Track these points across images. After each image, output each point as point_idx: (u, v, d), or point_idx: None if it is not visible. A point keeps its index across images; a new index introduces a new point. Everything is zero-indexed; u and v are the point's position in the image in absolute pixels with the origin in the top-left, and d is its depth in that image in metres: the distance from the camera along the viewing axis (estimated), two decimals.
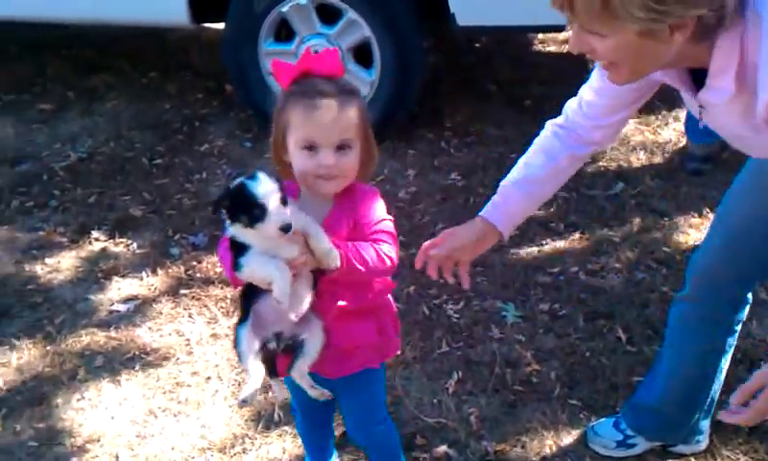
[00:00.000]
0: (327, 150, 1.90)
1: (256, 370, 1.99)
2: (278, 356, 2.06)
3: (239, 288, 2.06)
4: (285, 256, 1.86)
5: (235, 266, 1.90)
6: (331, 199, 2.01)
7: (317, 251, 1.89)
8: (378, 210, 2.03)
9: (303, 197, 2.00)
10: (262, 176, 1.84)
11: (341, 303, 2.00)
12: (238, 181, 1.87)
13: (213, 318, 3.42)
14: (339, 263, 1.89)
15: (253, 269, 1.89)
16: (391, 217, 2.04)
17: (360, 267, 1.92)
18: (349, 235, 1.97)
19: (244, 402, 2.00)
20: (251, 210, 1.81)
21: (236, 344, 2.02)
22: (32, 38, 6.12)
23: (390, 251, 1.97)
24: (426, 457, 2.75)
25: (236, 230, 1.88)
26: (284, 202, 1.84)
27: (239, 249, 1.89)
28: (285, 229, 1.81)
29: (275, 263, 1.85)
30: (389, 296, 2.18)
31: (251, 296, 1.99)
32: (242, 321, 2.03)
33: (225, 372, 3.14)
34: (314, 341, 2.01)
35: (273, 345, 2.01)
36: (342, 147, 1.92)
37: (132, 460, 2.80)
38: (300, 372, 2.02)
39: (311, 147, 1.91)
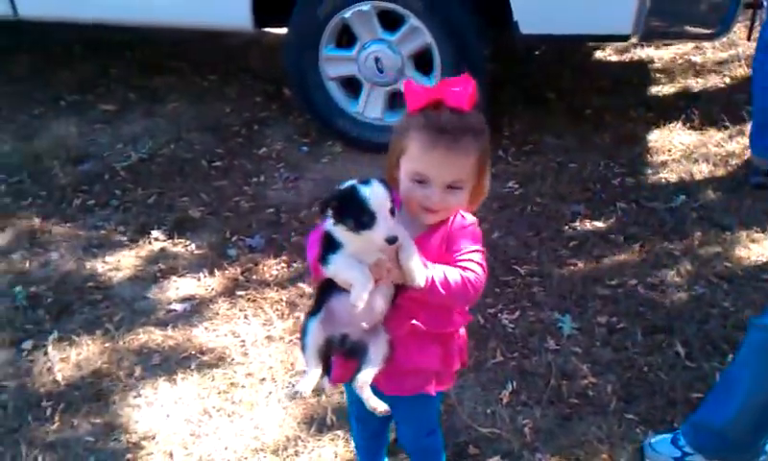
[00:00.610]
0: (437, 188, 1.89)
1: (315, 365, 1.99)
2: (337, 359, 2.05)
3: (316, 281, 2.04)
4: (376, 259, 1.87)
5: (323, 260, 1.90)
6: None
7: (404, 266, 1.86)
8: (472, 240, 1.99)
9: (402, 211, 1.97)
10: (375, 183, 1.84)
11: (415, 322, 1.98)
12: (349, 183, 1.87)
13: (268, 320, 3.44)
14: (423, 283, 1.87)
15: (339, 268, 1.89)
16: (483, 249, 2.00)
17: (442, 291, 1.89)
18: (439, 258, 1.94)
19: (296, 394, 1.98)
20: (360, 216, 1.81)
21: (302, 334, 2.02)
22: (95, 40, 6.24)
23: (477, 282, 1.93)
24: None
25: (335, 229, 1.88)
26: (392, 212, 1.83)
27: (331, 245, 1.89)
28: (391, 240, 1.80)
29: (360, 268, 1.85)
30: (462, 328, 2.15)
31: (327, 291, 1.99)
32: (313, 313, 2.02)
33: (279, 374, 3.15)
34: (378, 352, 1.99)
35: (336, 344, 2.00)
36: (452, 187, 1.90)
37: (186, 458, 2.82)
38: (363, 382, 1.99)
39: (422, 181, 1.90)
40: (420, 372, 2.07)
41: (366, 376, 1.99)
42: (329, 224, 1.89)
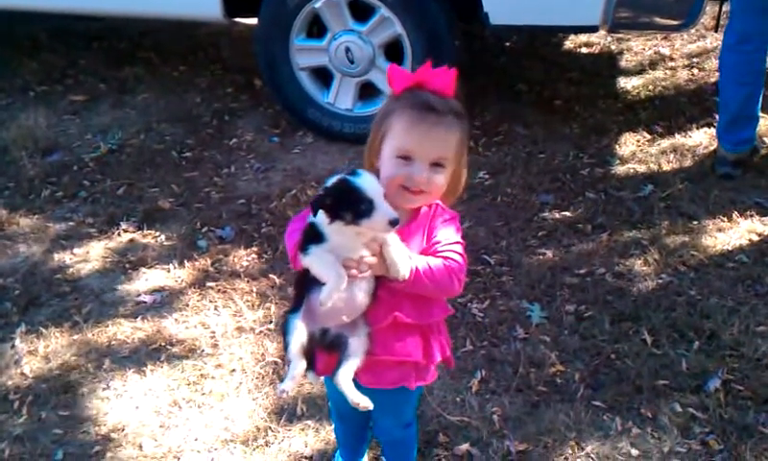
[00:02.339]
0: (422, 164, 1.90)
1: (299, 362, 1.99)
2: (319, 353, 2.05)
3: (294, 270, 2.03)
4: (357, 256, 1.86)
5: (304, 249, 1.90)
6: (411, 212, 2.00)
7: (389, 258, 1.88)
8: (453, 233, 2.01)
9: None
10: (363, 172, 1.85)
11: (397, 314, 1.98)
12: (338, 178, 1.86)
13: (239, 311, 3.44)
14: (407, 274, 1.88)
15: (316, 261, 1.89)
16: (463, 242, 2.02)
17: (427, 281, 1.91)
18: (420, 251, 1.96)
19: (283, 392, 1.99)
20: (358, 206, 1.80)
21: (285, 332, 2.01)
22: (64, 30, 6.19)
23: (459, 272, 1.95)
24: (448, 455, 2.74)
25: (321, 223, 1.86)
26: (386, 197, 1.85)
27: (314, 236, 1.88)
28: (394, 222, 1.81)
29: (336, 268, 1.85)
30: (443, 324, 2.16)
31: (305, 286, 1.98)
32: (294, 310, 2.02)
33: (249, 365, 3.15)
34: (359, 346, 1.99)
35: (317, 338, 2.00)
36: (436, 164, 1.92)
37: (156, 450, 2.82)
38: (345, 376, 1.99)
39: (407, 157, 1.91)
40: (400, 365, 2.07)
41: (347, 370, 1.98)
42: (317, 217, 1.87)
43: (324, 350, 2.04)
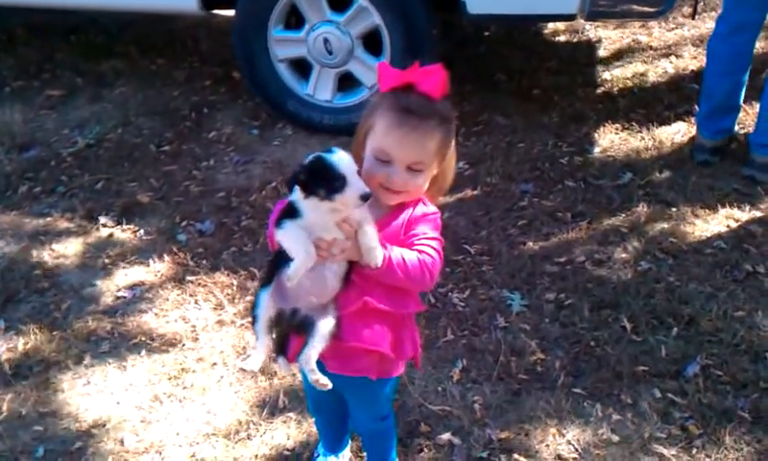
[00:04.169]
0: (399, 167, 1.91)
1: (265, 339, 2.01)
2: (292, 337, 2.07)
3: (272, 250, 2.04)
4: (330, 238, 1.88)
5: (278, 223, 1.91)
6: (393, 205, 2.00)
7: (363, 244, 1.89)
8: (432, 228, 2.01)
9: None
10: (339, 150, 1.87)
11: (368, 298, 1.98)
12: (313, 155, 1.88)
13: (219, 304, 3.43)
14: (380, 262, 1.89)
15: (288, 236, 1.90)
16: (441, 239, 2.02)
17: (399, 272, 1.92)
18: (398, 243, 1.96)
19: (245, 370, 2.00)
20: (331, 181, 1.83)
21: (254, 306, 2.03)
22: (40, 24, 6.13)
23: (433, 267, 1.96)
24: (430, 444, 2.75)
25: (299, 199, 1.88)
26: (360, 173, 1.87)
27: (290, 213, 1.90)
28: (365, 197, 1.83)
29: (305, 245, 1.87)
30: (413, 321, 2.17)
31: (279, 264, 1.98)
32: (264, 285, 2.03)
33: (230, 358, 3.15)
34: (325, 328, 1.99)
35: (287, 318, 2.01)
36: (413, 169, 1.92)
37: (138, 445, 2.81)
38: (307, 357, 2.00)
39: (385, 159, 1.92)
40: (366, 354, 2.06)
41: (312, 351, 1.99)
42: (295, 195, 1.90)
43: (294, 331, 2.05)
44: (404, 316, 2.10)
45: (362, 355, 2.07)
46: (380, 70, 1.98)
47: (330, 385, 2.02)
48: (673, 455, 2.67)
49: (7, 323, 3.35)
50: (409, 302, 2.07)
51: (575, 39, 5.91)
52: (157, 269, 3.67)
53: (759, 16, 3.97)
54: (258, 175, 4.35)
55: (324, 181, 1.83)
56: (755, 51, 4.09)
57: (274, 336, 2.08)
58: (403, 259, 1.92)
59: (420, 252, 1.95)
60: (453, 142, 2.02)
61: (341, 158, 1.85)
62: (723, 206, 3.87)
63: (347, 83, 4.56)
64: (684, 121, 4.64)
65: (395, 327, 2.08)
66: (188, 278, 3.59)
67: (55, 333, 3.30)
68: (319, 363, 2.04)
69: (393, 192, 1.95)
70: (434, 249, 1.97)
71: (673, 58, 5.47)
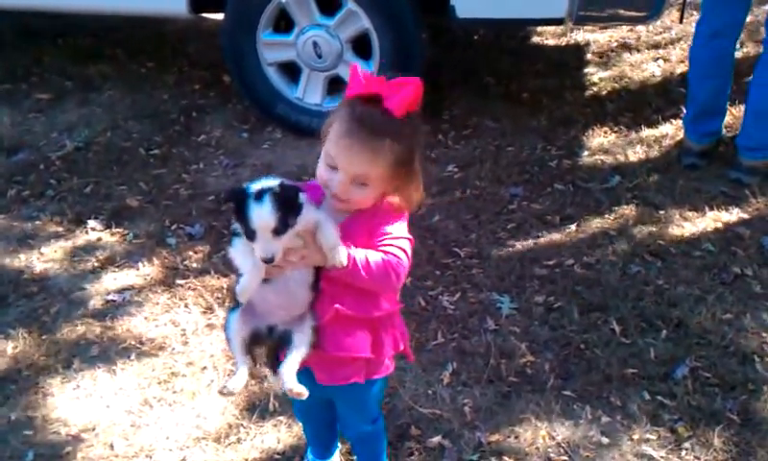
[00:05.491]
0: (344, 177, 1.88)
1: (243, 361, 2.00)
2: (279, 352, 2.04)
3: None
4: (285, 247, 1.84)
5: (231, 242, 1.91)
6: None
7: (324, 246, 1.86)
8: (398, 228, 1.97)
9: (328, 198, 1.97)
10: (268, 197, 1.78)
11: (338, 306, 1.96)
12: (248, 186, 1.83)
13: (209, 308, 3.42)
14: (344, 262, 1.86)
15: (236, 253, 1.89)
16: (410, 238, 1.99)
17: (363, 273, 1.88)
18: (363, 245, 1.93)
19: (224, 391, 1.99)
20: (245, 226, 1.80)
21: (225, 329, 2.02)
22: (28, 28, 6.11)
23: (399, 267, 1.92)
24: (420, 448, 2.75)
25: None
26: (277, 232, 1.79)
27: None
28: (267, 261, 1.80)
29: (252, 262, 1.84)
30: (398, 318, 2.15)
31: None
32: (233, 308, 2.02)
33: (220, 362, 3.14)
34: (302, 339, 1.98)
35: (264, 336, 2.00)
36: (357, 182, 1.90)
37: (127, 449, 2.80)
38: (288, 369, 1.97)
39: (332, 166, 1.90)
40: (350, 361, 2.05)
41: (290, 364, 1.97)
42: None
43: (278, 347, 2.03)
44: (382, 318, 2.07)
45: (347, 363, 2.06)
46: (351, 73, 1.93)
47: (306, 393, 1.97)
48: (662, 457, 2.69)
49: None
50: (381, 304, 2.04)
51: (563, 43, 5.94)
52: (147, 273, 3.66)
53: (738, 19, 3.99)
54: (248, 178, 4.33)
55: (241, 222, 1.81)
56: (740, 54, 4.11)
57: (265, 359, 2.08)
58: (367, 260, 1.89)
59: (385, 252, 1.92)
60: (416, 164, 1.98)
61: (258, 214, 1.77)
62: (711, 208, 3.89)
63: (336, 86, 4.55)
64: (672, 124, 4.66)
65: (374, 330, 2.06)
66: (178, 281, 3.59)
67: (44, 338, 3.28)
68: (309, 373, 2.04)
69: (338, 200, 1.93)
70: (400, 248, 1.94)
71: (661, 61, 5.49)
